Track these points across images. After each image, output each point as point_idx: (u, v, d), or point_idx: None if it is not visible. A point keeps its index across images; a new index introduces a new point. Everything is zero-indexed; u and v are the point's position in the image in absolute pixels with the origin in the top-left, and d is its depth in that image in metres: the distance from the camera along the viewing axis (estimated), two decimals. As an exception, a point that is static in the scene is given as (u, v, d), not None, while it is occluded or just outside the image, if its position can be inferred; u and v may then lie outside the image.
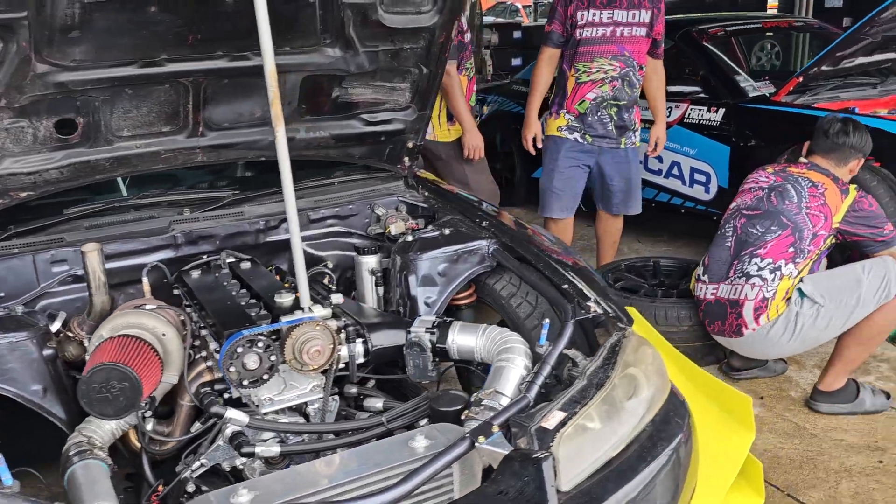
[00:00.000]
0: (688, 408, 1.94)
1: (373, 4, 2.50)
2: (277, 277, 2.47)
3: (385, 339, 2.21)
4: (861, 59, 4.76)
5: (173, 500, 1.90)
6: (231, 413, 1.91)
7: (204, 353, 2.17)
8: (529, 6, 19.52)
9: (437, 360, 2.21)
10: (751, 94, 4.88)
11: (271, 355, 1.95)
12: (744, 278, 3.24)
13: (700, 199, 5.09)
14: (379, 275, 2.59)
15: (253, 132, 2.72)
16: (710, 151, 4.93)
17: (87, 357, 2.00)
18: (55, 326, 2.21)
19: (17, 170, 2.37)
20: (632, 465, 1.70)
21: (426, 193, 3.02)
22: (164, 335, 2.06)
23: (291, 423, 2.01)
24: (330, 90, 2.76)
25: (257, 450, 1.86)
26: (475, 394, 1.92)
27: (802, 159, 3.46)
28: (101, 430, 1.92)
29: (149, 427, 2.04)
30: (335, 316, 2.18)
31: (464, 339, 2.17)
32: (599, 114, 4.15)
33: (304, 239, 2.81)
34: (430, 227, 2.68)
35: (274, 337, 2.00)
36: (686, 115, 5.09)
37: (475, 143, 4.37)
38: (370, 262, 2.61)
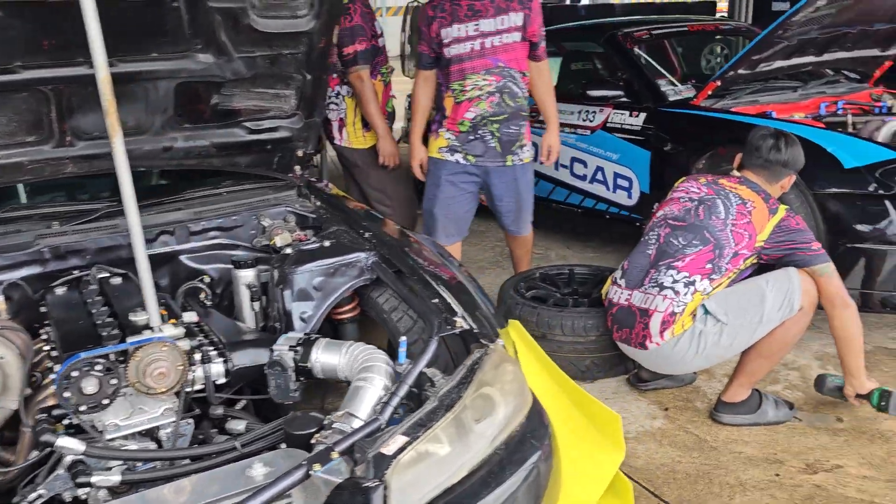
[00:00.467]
0: (549, 427, 1.87)
1: (243, 9, 2.42)
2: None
3: (247, 358, 2.11)
4: (780, 63, 4.75)
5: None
6: (62, 441, 1.78)
7: (53, 376, 2.05)
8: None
9: (301, 379, 2.12)
10: (671, 98, 4.83)
11: (112, 378, 1.85)
12: (657, 288, 3.18)
13: (623, 205, 5.02)
14: (255, 289, 2.49)
15: (126, 141, 2.60)
16: (632, 156, 4.86)
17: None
18: None
19: None
20: (475, 491, 1.62)
21: (318, 203, 2.93)
22: (1, 358, 1.95)
23: (137, 450, 1.90)
24: (208, 97, 2.68)
25: (93, 479, 1.75)
26: (328, 416, 1.83)
27: (735, 173, 3.39)
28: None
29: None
30: (190, 335, 2.08)
31: (327, 358, 2.07)
32: (480, 132, 3.90)
33: (184, 252, 2.73)
34: (312, 239, 2.59)
35: (122, 358, 1.90)
36: (609, 120, 5.03)
37: (390, 150, 4.30)
38: (247, 275, 2.50)
